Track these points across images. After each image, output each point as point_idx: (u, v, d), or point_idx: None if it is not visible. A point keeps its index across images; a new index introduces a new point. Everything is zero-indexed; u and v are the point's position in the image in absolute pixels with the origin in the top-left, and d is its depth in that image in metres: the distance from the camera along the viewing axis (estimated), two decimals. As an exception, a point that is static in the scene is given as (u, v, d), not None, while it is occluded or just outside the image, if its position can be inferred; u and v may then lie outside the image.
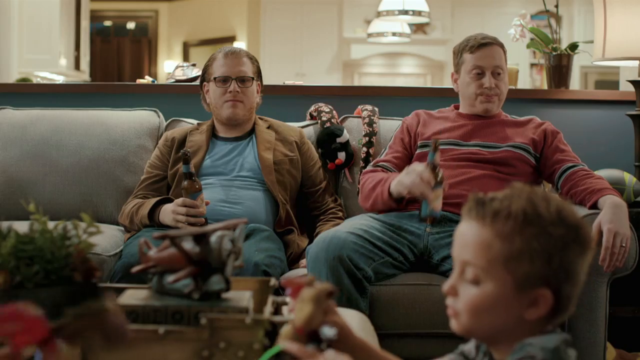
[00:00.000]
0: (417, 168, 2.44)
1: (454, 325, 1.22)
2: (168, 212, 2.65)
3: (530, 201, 1.17)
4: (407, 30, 7.49)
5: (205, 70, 2.94)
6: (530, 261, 1.15)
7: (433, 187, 2.39)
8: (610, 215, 2.38)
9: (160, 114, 3.26)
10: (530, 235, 1.15)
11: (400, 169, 2.81)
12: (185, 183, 2.60)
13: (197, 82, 3.21)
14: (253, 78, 2.89)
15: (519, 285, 1.15)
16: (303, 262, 2.59)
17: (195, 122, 3.13)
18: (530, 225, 1.15)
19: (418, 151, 2.80)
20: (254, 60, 2.92)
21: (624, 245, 2.35)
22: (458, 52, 2.82)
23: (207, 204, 2.63)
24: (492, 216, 1.17)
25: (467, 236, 1.19)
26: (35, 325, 1.06)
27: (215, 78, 2.86)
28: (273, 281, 1.62)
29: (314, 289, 1.26)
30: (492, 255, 1.16)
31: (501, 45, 2.79)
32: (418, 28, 9.70)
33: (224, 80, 2.86)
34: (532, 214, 1.16)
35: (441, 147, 2.75)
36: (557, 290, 1.16)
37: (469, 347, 1.33)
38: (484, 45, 2.75)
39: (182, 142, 2.92)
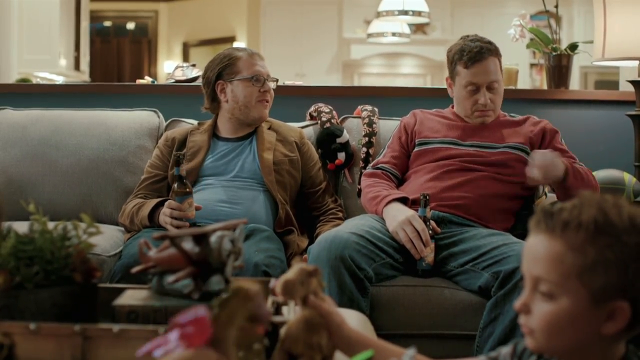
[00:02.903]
0: (409, 226, 2.45)
1: (530, 343, 1.16)
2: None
3: (600, 209, 1.12)
4: (407, 30, 7.49)
5: (224, 69, 2.87)
6: (605, 272, 1.09)
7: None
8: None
9: (160, 114, 3.26)
10: (603, 245, 1.09)
11: (399, 168, 2.81)
12: (174, 185, 2.60)
13: (198, 83, 3.21)
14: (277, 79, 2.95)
15: (595, 299, 1.10)
16: (305, 257, 2.59)
17: (195, 122, 3.12)
18: (602, 235, 1.10)
19: (416, 149, 2.80)
20: None
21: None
22: (452, 62, 2.77)
23: (197, 208, 2.62)
24: (562, 227, 1.12)
25: (537, 250, 1.14)
26: (204, 326, 1.08)
27: (252, 77, 2.84)
28: (273, 281, 1.62)
29: (298, 264, 1.29)
30: (565, 268, 1.10)
31: (495, 52, 2.73)
32: (418, 28, 9.70)
33: (261, 79, 2.85)
34: (603, 223, 1.10)
35: (440, 146, 2.76)
36: (634, 302, 1.10)
37: (505, 352, 1.29)
38: (478, 60, 2.69)
39: (183, 142, 2.91)
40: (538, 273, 1.13)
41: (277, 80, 2.95)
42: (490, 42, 2.76)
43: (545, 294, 1.12)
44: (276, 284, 1.27)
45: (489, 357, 1.31)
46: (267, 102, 2.89)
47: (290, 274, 1.27)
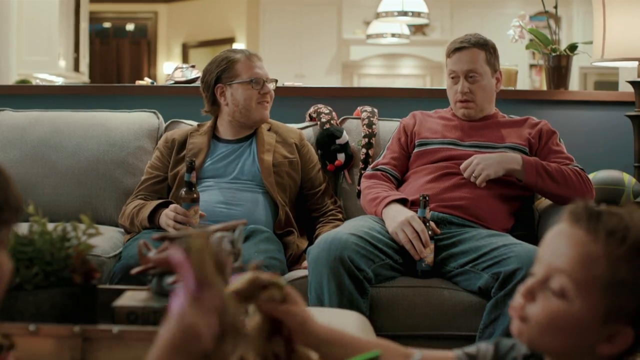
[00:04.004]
0: (408, 227, 2.46)
1: (517, 328, 1.12)
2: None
3: None
4: (407, 31, 7.50)
5: (222, 72, 2.86)
6: (629, 295, 1.05)
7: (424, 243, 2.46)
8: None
9: (160, 115, 3.26)
10: (638, 268, 1.05)
11: (398, 169, 2.82)
12: (182, 192, 2.59)
13: (197, 84, 3.20)
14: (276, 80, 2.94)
15: (607, 315, 1.05)
16: (304, 263, 2.59)
17: (194, 123, 3.12)
18: None
19: (416, 150, 2.81)
20: None
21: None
22: (445, 57, 2.86)
23: (202, 216, 2.62)
24: (607, 234, 1.06)
25: (569, 243, 1.08)
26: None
27: (252, 80, 2.83)
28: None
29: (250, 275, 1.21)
30: (594, 273, 1.05)
31: (483, 46, 2.77)
32: (417, 29, 9.70)
33: (260, 82, 2.85)
34: None
35: (440, 146, 2.76)
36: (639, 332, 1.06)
37: (485, 348, 1.25)
38: (458, 49, 2.76)
39: (183, 143, 2.91)
40: (561, 266, 1.08)
41: (276, 81, 2.94)
42: (481, 37, 2.80)
43: (557, 290, 1.07)
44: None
45: (466, 352, 1.27)
46: (268, 103, 2.88)
47: (237, 284, 1.19)
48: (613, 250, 1.05)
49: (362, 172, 2.98)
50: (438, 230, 2.52)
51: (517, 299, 1.12)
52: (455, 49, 2.77)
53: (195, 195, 2.58)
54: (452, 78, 2.79)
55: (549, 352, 1.12)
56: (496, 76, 2.82)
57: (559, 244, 1.10)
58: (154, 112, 3.26)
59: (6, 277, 1.07)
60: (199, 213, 2.59)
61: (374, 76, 10.12)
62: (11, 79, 5.73)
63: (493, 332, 2.28)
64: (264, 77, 2.86)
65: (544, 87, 3.75)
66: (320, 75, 9.71)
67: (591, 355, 1.08)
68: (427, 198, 2.48)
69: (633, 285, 1.05)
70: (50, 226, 1.43)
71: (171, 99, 3.52)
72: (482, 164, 2.57)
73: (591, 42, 3.27)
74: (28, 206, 1.40)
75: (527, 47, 3.68)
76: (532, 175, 2.57)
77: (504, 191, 2.65)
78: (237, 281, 1.19)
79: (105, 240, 2.71)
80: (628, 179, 3.02)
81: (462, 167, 2.61)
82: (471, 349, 1.28)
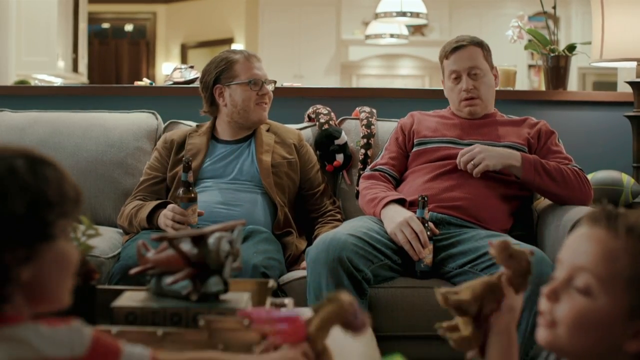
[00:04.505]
0: (407, 227, 2.46)
1: (544, 336, 1.12)
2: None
3: None
4: (405, 31, 7.49)
5: (221, 73, 2.86)
6: None
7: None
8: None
9: (158, 116, 3.26)
10: None
11: (397, 169, 2.82)
12: (180, 191, 2.59)
13: (196, 85, 3.20)
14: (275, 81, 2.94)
15: (632, 311, 1.06)
16: (303, 264, 2.59)
17: (193, 124, 3.12)
18: None
19: (414, 149, 2.81)
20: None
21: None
22: (440, 60, 2.86)
23: (200, 214, 2.62)
24: (627, 230, 1.08)
25: (591, 243, 1.10)
26: (299, 329, 1.20)
27: (250, 82, 2.83)
28: (271, 283, 1.62)
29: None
30: (616, 269, 1.07)
31: (479, 44, 2.79)
32: (416, 30, 9.70)
33: (258, 83, 2.84)
34: None
35: (439, 145, 2.76)
36: None
37: None
38: (456, 48, 2.77)
39: (182, 144, 2.91)
40: (584, 264, 1.09)
41: (275, 82, 2.94)
42: (474, 37, 2.82)
43: (582, 288, 1.08)
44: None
45: None
46: (266, 104, 2.88)
47: (474, 289, 1.29)
48: (634, 245, 1.07)
49: (361, 172, 2.98)
50: (437, 231, 2.52)
51: (543, 303, 1.13)
52: (453, 49, 2.77)
53: (192, 195, 2.58)
54: (454, 79, 2.79)
55: (578, 356, 1.11)
56: (493, 72, 2.83)
57: (580, 244, 1.11)
58: (153, 113, 3.26)
59: (73, 265, 1.14)
60: (197, 212, 2.59)
61: (372, 77, 10.12)
62: (10, 80, 5.72)
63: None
64: (263, 78, 2.86)
65: (543, 88, 3.75)
66: (319, 75, 9.71)
67: (619, 355, 1.08)
68: (426, 199, 2.48)
69: None
70: (49, 227, 1.43)
71: (170, 100, 3.52)
72: (484, 154, 2.57)
73: (590, 43, 3.27)
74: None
75: (526, 48, 3.68)
76: (530, 173, 2.57)
77: (503, 191, 2.65)
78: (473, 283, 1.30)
79: (104, 241, 2.71)
80: (627, 179, 3.02)
81: (462, 152, 2.61)
82: None
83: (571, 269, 1.11)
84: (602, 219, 1.10)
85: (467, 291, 1.28)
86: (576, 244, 1.12)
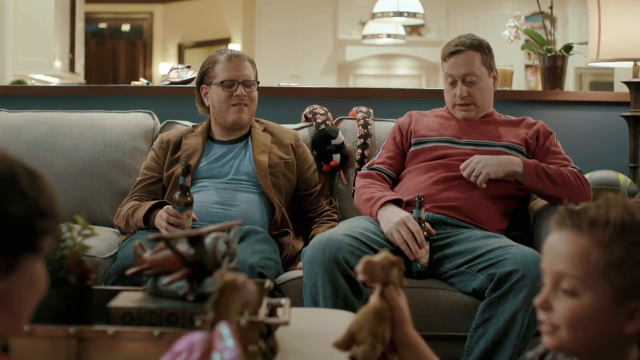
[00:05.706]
0: (404, 227, 2.46)
1: (549, 341, 1.16)
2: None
3: (627, 209, 1.13)
4: (402, 32, 7.49)
5: (205, 73, 2.89)
6: (630, 270, 1.10)
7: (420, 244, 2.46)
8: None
9: (155, 116, 3.26)
10: (630, 243, 1.11)
11: (394, 169, 2.82)
12: (176, 195, 2.58)
13: (193, 85, 3.20)
14: (258, 82, 2.90)
15: (618, 297, 1.11)
16: (300, 264, 2.59)
17: (190, 124, 3.12)
18: (629, 233, 1.11)
19: (412, 149, 2.81)
20: (253, 64, 2.91)
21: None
22: (441, 59, 2.85)
23: (194, 220, 2.61)
24: (589, 224, 1.12)
25: (562, 246, 1.14)
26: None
27: (222, 82, 2.82)
28: (268, 283, 1.62)
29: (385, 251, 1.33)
30: (590, 265, 1.11)
31: (478, 48, 2.76)
32: (413, 30, 9.71)
33: (231, 84, 2.83)
34: (630, 222, 1.12)
35: (436, 144, 2.76)
36: None
37: (530, 355, 1.30)
38: (454, 52, 2.75)
39: (178, 144, 2.91)
40: (562, 269, 1.14)
41: (257, 84, 2.89)
42: (475, 39, 2.78)
43: (567, 290, 1.13)
44: (360, 263, 1.32)
45: None
46: (245, 106, 2.85)
47: (375, 257, 1.32)
48: (600, 236, 1.11)
49: (358, 172, 2.98)
50: (433, 231, 2.52)
51: (540, 314, 1.17)
52: (451, 53, 2.76)
53: (189, 199, 2.57)
54: (450, 82, 2.78)
55: (581, 353, 1.16)
56: (493, 75, 2.82)
57: (553, 250, 1.16)
58: (150, 113, 3.26)
59: (42, 292, 1.06)
60: (191, 217, 2.59)
61: (369, 77, 10.13)
62: (6, 80, 5.72)
63: (485, 333, 2.27)
64: (240, 79, 2.83)
65: (540, 88, 3.75)
66: (316, 75, 9.71)
67: (622, 340, 1.13)
68: (422, 199, 2.48)
69: (631, 260, 1.10)
70: (45, 227, 1.43)
71: (167, 100, 3.51)
72: (483, 163, 2.56)
73: (586, 43, 3.28)
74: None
75: (523, 48, 3.68)
76: (533, 178, 2.57)
77: (499, 191, 2.65)
78: (374, 256, 1.33)
79: (101, 241, 2.70)
80: (623, 179, 3.03)
81: (461, 167, 2.60)
82: None
83: (553, 275, 1.15)
84: (567, 219, 1.15)
85: (359, 330, 1.28)
86: (551, 250, 1.17)
